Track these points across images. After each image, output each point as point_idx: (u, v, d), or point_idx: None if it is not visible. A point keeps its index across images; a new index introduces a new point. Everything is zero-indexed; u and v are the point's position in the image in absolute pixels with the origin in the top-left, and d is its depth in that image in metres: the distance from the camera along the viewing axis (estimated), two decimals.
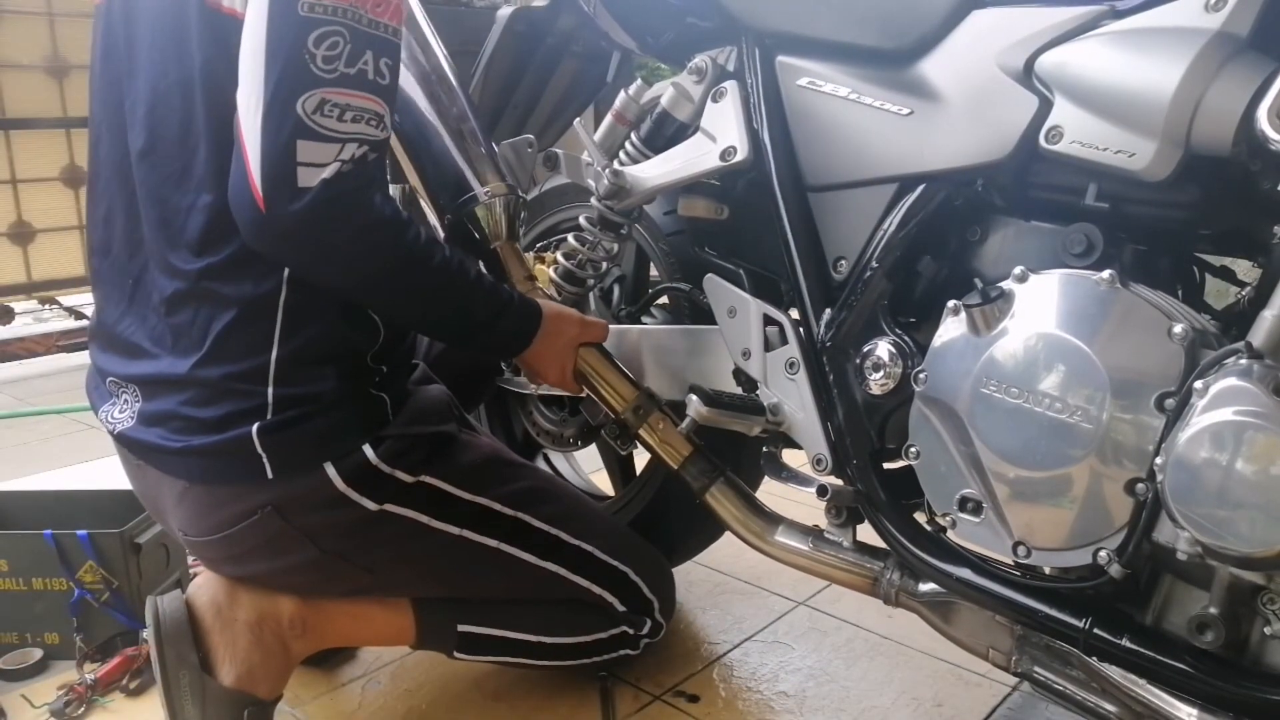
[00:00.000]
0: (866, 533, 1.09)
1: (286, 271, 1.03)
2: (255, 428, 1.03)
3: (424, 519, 1.14)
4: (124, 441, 1.12)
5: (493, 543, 1.18)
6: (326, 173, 0.95)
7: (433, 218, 1.20)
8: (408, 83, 1.21)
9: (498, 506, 1.19)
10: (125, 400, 1.11)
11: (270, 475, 1.04)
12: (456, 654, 1.26)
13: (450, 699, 1.33)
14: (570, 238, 1.40)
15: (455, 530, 1.16)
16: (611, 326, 1.36)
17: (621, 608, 1.28)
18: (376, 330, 1.11)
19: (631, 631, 1.29)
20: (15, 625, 1.45)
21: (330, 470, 1.06)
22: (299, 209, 0.94)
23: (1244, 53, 0.79)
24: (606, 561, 1.26)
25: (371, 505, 1.09)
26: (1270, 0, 0.78)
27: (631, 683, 1.37)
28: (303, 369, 1.05)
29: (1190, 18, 0.81)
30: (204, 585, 1.17)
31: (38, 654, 1.42)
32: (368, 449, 1.08)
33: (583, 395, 1.28)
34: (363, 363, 1.10)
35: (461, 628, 1.24)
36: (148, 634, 1.13)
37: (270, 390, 1.04)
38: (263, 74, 0.94)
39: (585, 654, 1.29)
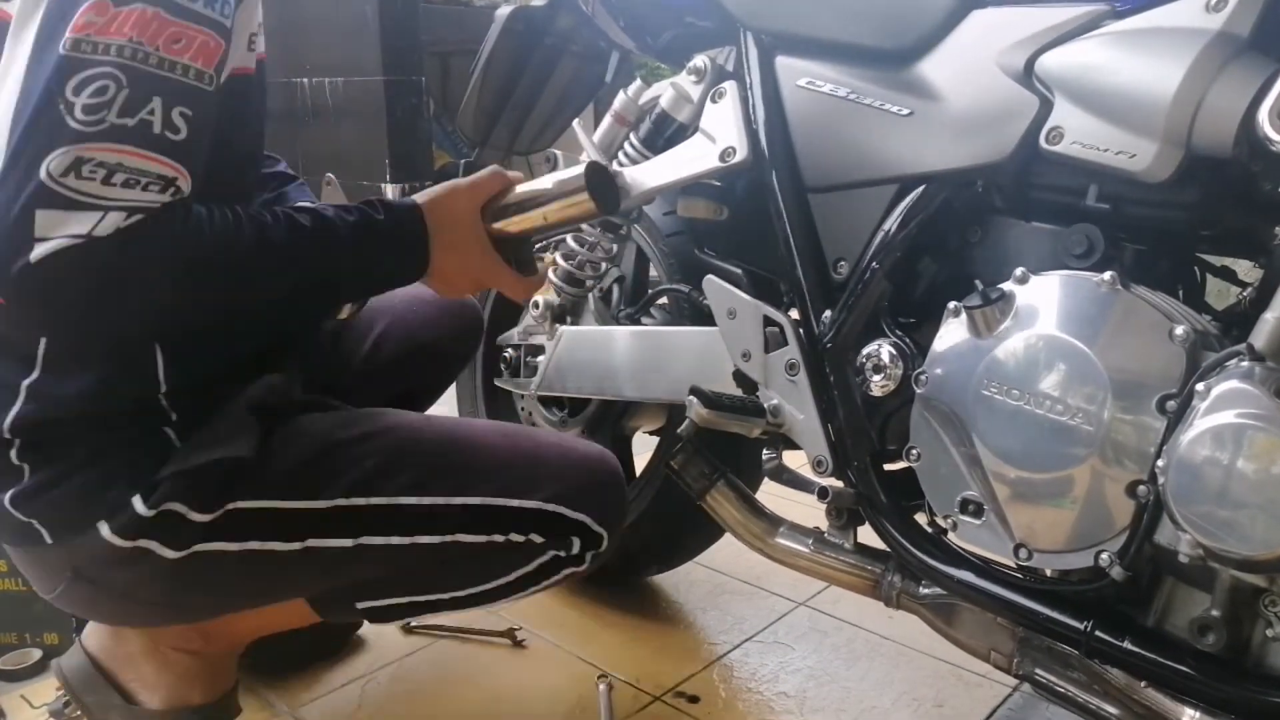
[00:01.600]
0: (867, 534, 1.09)
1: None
2: (8, 497, 0.93)
3: (252, 546, 0.99)
4: None
5: (349, 541, 1.01)
6: (58, 245, 0.77)
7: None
8: None
9: (344, 501, 1.01)
10: None
11: (49, 540, 0.94)
12: (369, 622, 1.16)
13: (449, 700, 1.33)
14: (569, 239, 1.40)
15: (298, 545, 1.00)
16: (610, 328, 1.36)
17: (540, 539, 1.07)
18: (154, 379, 0.96)
19: (564, 554, 1.08)
20: (14, 625, 1.44)
21: (104, 530, 0.93)
22: (24, 284, 0.77)
23: (1245, 53, 0.79)
24: (502, 505, 1.05)
25: (172, 553, 0.96)
26: (1271, 0, 0.78)
27: (631, 683, 1.37)
28: (57, 428, 0.93)
29: (1191, 18, 0.80)
30: (91, 632, 1.13)
31: (37, 654, 1.42)
32: (137, 501, 0.93)
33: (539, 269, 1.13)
34: (150, 404, 0.97)
35: (361, 604, 1.10)
36: (66, 697, 1.11)
37: (16, 453, 0.93)
38: (9, 122, 0.79)
39: (515, 591, 1.10)
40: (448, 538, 1.03)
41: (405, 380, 1.38)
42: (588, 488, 1.09)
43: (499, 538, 1.05)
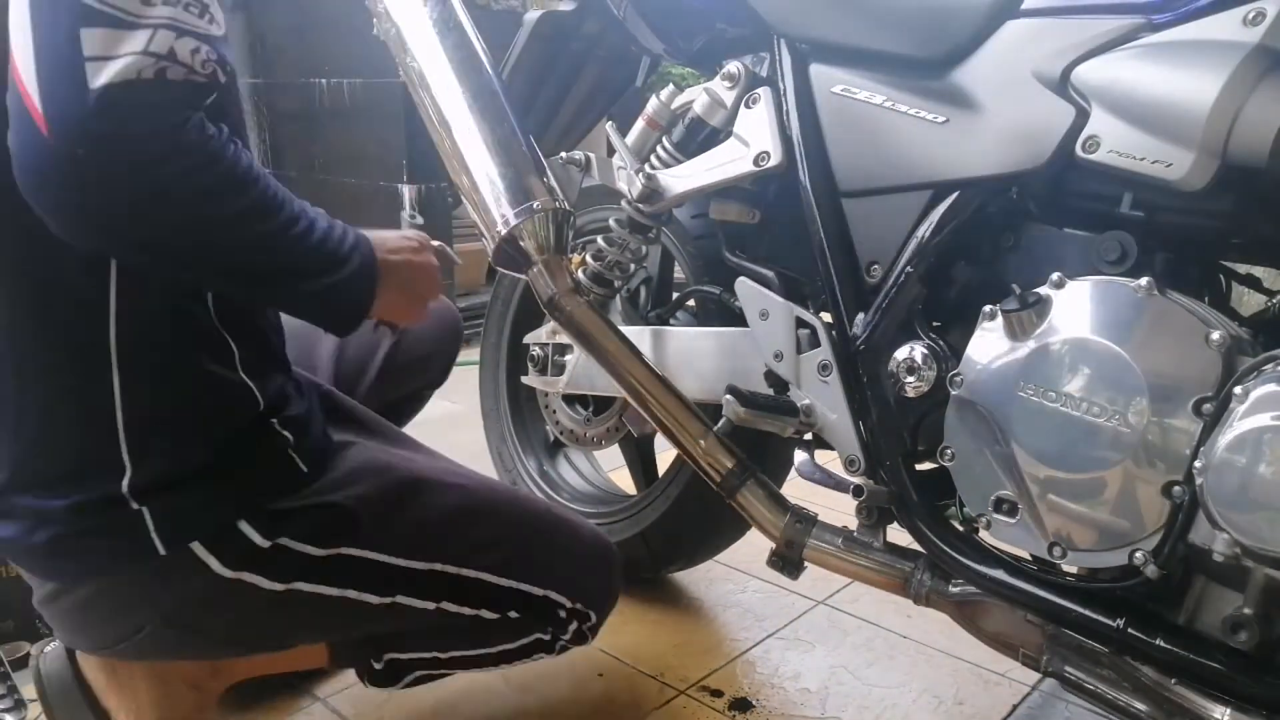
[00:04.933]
0: (893, 532, 1.11)
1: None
2: (125, 483, 0.89)
3: (349, 593, 1.01)
4: None
5: (432, 605, 1.06)
6: (124, 66, 0.71)
7: (484, 229, 1.18)
8: (456, 95, 1.21)
9: (440, 568, 1.06)
10: None
11: (161, 549, 0.90)
12: (370, 682, 1.19)
13: (480, 691, 1.35)
14: (599, 239, 1.42)
15: (388, 600, 1.04)
16: (643, 329, 1.38)
17: (542, 620, 1.16)
18: (231, 361, 0.96)
19: (546, 638, 1.16)
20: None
21: (210, 557, 0.93)
22: (90, 112, 0.70)
23: None
24: (534, 593, 1.13)
25: (273, 586, 0.97)
26: None
27: (655, 677, 1.39)
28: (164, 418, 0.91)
29: (1229, 31, 0.82)
30: None
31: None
32: (250, 530, 0.94)
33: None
34: (257, 421, 0.97)
35: (388, 656, 1.16)
36: (36, 695, 1.04)
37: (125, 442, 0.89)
38: None
39: (511, 659, 1.18)
40: (477, 612, 1.10)
41: (408, 385, 1.44)
42: (583, 584, 1.18)
43: (512, 614, 1.12)
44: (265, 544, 0.95)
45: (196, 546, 0.92)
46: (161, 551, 0.90)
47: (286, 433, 0.98)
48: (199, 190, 0.79)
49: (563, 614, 1.15)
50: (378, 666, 1.16)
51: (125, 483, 0.89)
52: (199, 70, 0.77)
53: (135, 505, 0.89)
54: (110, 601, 0.95)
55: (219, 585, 0.94)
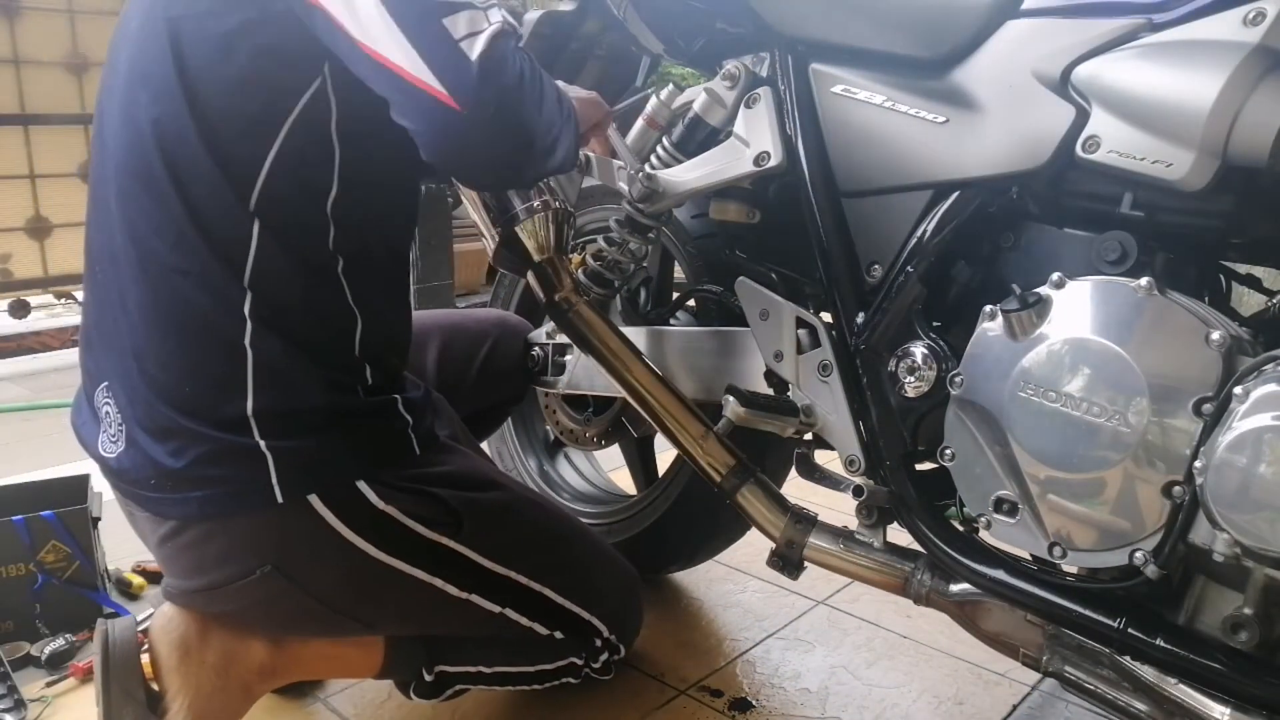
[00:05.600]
0: (893, 532, 1.11)
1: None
2: (250, 405, 0.96)
3: (437, 582, 1.10)
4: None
5: (496, 608, 1.16)
6: (486, 37, 0.91)
7: (484, 229, 1.19)
8: None
9: (516, 577, 1.16)
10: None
11: (280, 495, 0.97)
12: (413, 694, 1.25)
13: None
14: (599, 240, 1.42)
15: (464, 595, 1.13)
16: (643, 329, 1.38)
17: (581, 652, 1.27)
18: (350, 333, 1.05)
19: (579, 662, 1.27)
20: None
21: (328, 510, 1.00)
22: (478, 77, 0.89)
23: None
24: (577, 613, 1.24)
25: (382, 556, 1.05)
26: None
27: (656, 677, 1.39)
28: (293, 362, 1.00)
29: (1229, 32, 0.82)
30: (172, 623, 1.10)
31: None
32: (368, 490, 1.02)
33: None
34: (373, 387, 1.06)
35: (426, 674, 1.23)
36: (95, 661, 1.07)
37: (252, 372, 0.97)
38: None
39: (546, 679, 1.28)
40: (536, 625, 1.21)
41: (498, 394, 1.54)
42: (621, 617, 1.30)
43: (557, 634, 1.23)
44: (380, 505, 1.03)
45: (314, 500, 0.99)
46: (279, 499, 0.97)
47: (408, 415, 1.08)
48: (542, 111, 0.97)
49: (599, 642, 1.27)
50: (428, 679, 1.22)
51: (249, 407, 0.96)
52: (508, 24, 0.94)
53: (261, 445, 0.96)
54: (228, 540, 1.01)
55: (331, 541, 1.01)
